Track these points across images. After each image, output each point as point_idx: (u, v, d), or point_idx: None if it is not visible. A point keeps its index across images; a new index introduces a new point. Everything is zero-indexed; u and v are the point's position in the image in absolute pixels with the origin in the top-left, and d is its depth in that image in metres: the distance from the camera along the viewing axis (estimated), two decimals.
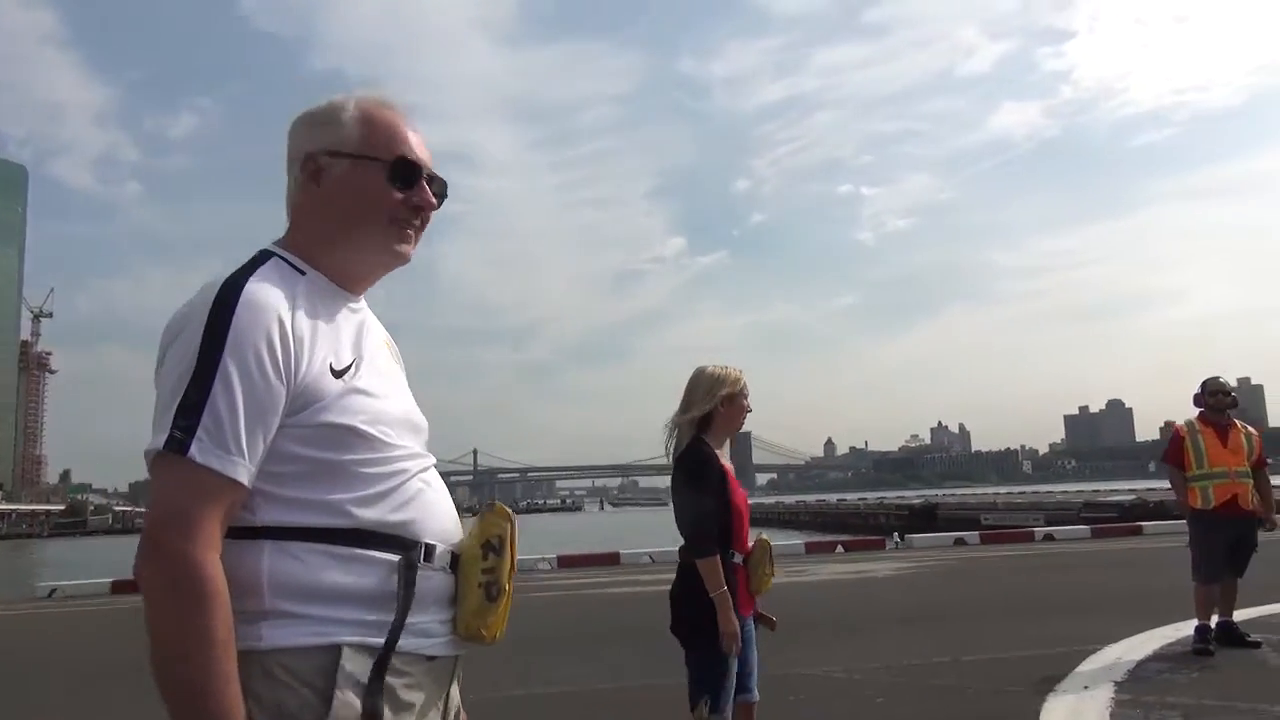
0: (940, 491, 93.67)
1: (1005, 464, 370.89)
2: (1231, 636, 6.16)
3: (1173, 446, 6.47)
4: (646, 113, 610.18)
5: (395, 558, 1.24)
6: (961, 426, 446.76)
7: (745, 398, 3.38)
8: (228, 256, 1.37)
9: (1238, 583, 6.29)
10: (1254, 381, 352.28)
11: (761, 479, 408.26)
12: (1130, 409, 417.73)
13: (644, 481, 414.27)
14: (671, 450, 3.34)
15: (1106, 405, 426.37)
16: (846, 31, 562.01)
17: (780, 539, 26.57)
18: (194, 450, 1.15)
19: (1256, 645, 6.08)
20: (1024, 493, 64.89)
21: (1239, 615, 6.40)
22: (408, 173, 1.38)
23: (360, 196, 1.37)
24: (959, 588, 11.34)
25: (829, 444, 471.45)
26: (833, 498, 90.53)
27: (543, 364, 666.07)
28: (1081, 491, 59.49)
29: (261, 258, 1.31)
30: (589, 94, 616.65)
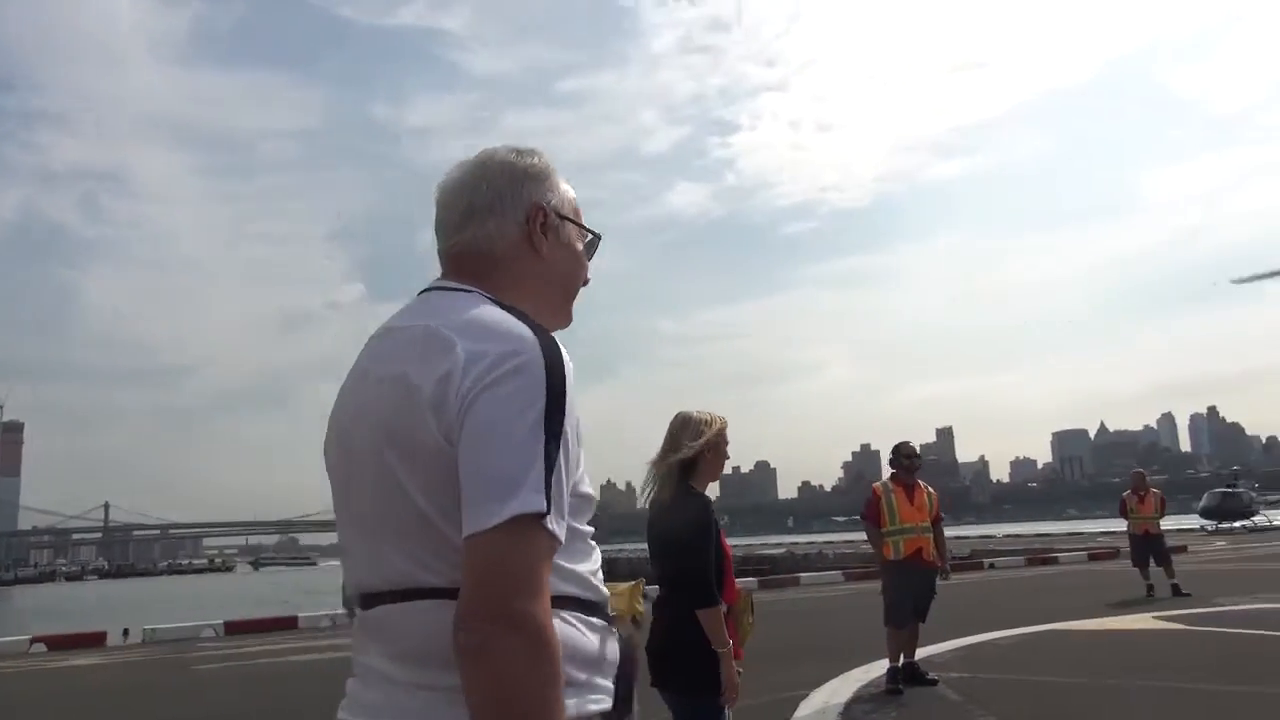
0: (606, 547, 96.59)
1: None
2: (914, 675, 6.86)
3: (871, 505, 7.15)
4: (333, 152, 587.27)
5: (606, 625, 1.24)
6: (628, 484, 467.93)
7: (727, 444, 3.30)
8: None
9: (919, 626, 7.05)
10: (872, 447, 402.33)
11: None
12: (775, 469, 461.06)
13: (306, 539, 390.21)
14: (649, 494, 3.22)
15: (755, 466, 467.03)
16: (539, 98, 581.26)
17: None
18: (551, 517, 1.07)
19: (934, 683, 6.80)
20: None
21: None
22: (594, 248, 1.41)
23: (577, 266, 1.37)
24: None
25: None
26: None
27: (195, 409, 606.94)
28: (736, 546, 64.43)
29: (523, 314, 1.20)
30: (270, 126, 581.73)
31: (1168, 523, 13.88)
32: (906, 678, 6.79)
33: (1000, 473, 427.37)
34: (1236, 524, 39.77)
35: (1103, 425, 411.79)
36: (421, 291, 1.32)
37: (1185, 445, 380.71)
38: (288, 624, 16.15)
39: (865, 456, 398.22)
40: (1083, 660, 7.72)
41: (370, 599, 1.19)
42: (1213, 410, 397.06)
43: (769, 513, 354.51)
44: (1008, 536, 45.98)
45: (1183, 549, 21.68)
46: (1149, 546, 13.23)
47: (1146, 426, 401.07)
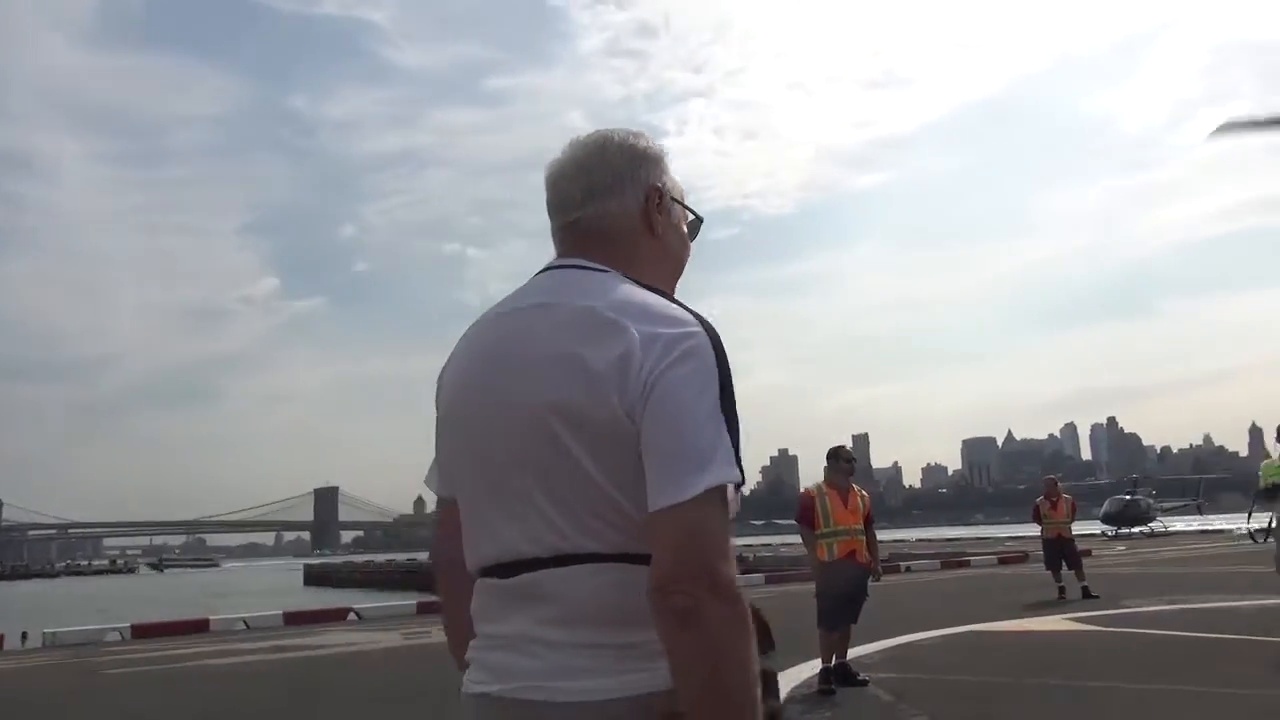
0: None
1: None
2: (846, 676, 6.95)
3: (805, 509, 7.24)
4: (249, 143, 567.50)
5: None
6: None
7: None
8: None
9: (851, 628, 7.15)
10: (790, 452, 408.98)
11: (347, 536, 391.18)
12: None
13: (214, 540, 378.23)
14: None
15: None
16: (465, 95, 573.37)
17: (382, 600, 25.53)
18: (739, 488, 1.16)
19: (865, 683, 6.91)
20: None
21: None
22: (696, 231, 1.45)
23: (685, 247, 1.42)
24: None
25: (419, 501, 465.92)
26: (423, 555, 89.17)
27: (99, 404, 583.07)
28: None
29: (669, 295, 1.29)
30: (185, 113, 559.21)
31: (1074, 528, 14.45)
32: (838, 678, 6.88)
33: (912, 479, 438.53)
34: (1135, 530, 41.48)
35: (1010, 434, 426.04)
36: (547, 268, 1.34)
37: (1086, 454, 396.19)
38: (199, 627, 15.63)
39: (784, 461, 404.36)
40: (1005, 660, 7.94)
41: (514, 567, 1.21)
42: (1112, 421, 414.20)
43: None
44: (920, 541, 47.19)
45: (1087, 553, 22.46)
46: (1061, 550, 13.69)
47: (1051, 435, 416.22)
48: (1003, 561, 23.87)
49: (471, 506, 1.28)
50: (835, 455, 7.34)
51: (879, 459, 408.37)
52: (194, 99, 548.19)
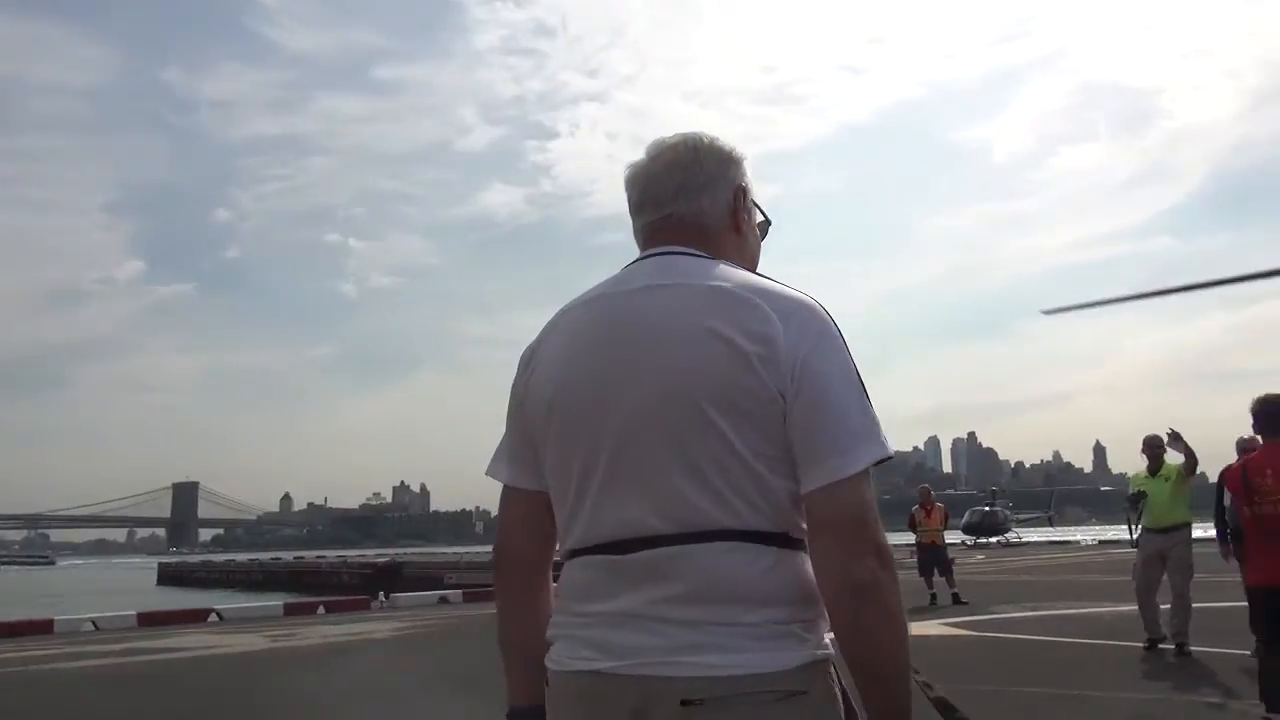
0: (396, 550, 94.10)
1: (461, 524, 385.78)
2: None
3: None
4: (118, 117, 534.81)
5: None
6: (423, 486, 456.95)
7: None
8: None
9: None
10: None
11: (206, 534, 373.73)
12: None
13: (62, 536, 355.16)
14: None
15: None
16: (354, 82, 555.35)
17: (245, 601, 24.40)
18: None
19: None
20: (482, 552, 68.07)
21: None
22: (766, 232, 1.52)
23: (759, 247, 1.49)
24: (485, 647, 11.18)
25: (286, 499, 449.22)
26: (288, 555, 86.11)
27: None
28: None
29: None
30: (47, 80, 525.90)
31: None
32: None
33: None
34: (993, 539, 43.53)
35: None
36: (647, 255, 1.39)
37: (948, 467, 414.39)
38: (43, 628, 14.56)
39: None
40: None
41: (633, 544, 1.22)
42: (972, 435, 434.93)
43: None
44: None
45: (951, 561, 23.42)
46: (934, 557, 14.17)
47: (915, 448, 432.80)
48: None
49: (581, 486, 1.28)
50: None
51: None
52: (59, 65, 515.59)
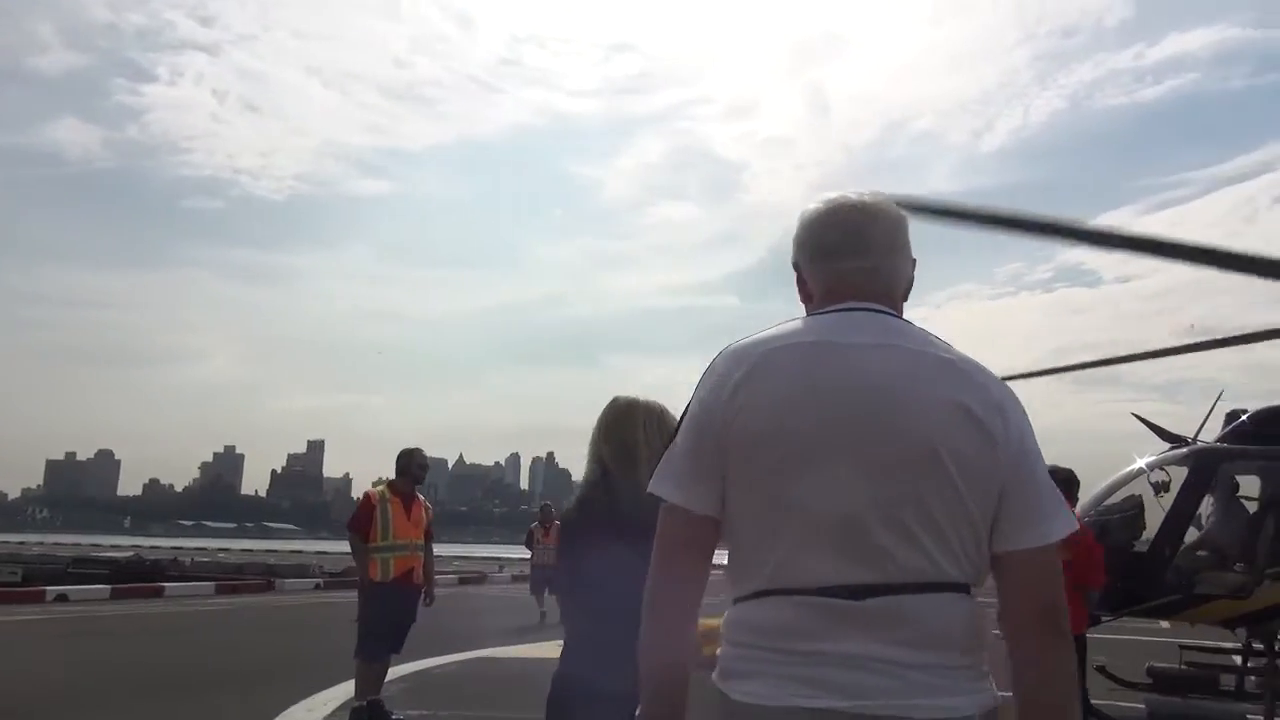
0: None
1: None
2: (378, 715, 6.01)
3: (361, 514, 6.22)
4: None
5: None
6: None
7: None
8: None
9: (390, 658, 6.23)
10: (237, 450, 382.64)
11: None
12: (120, 460, 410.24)
13: None
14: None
15: (96, 454, 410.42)
16: None
17: None
18: None
19: None
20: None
21: None
22: None
23: None
24: (32, 666, 8.71)
25: None
26: None
27: None
28: (61, 544, 55.48)
29: None
30: None
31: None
32: (373, 716, 5.92)
33: (360, 491, 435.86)
34: None
35: (461, 457, 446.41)
36: (854, 308, 1.46)
37: (525, 484, 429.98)
38: None
39: (228, 459, 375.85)
40: (529, 690, 7.60)
41: (865, 590, 1.33)
42: (550, 456, 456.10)
43: (105, 508, 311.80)
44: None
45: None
46: (549, 576, 14.07)
47: (496, 463, 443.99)
48: (464, 581, 24.27)
49: (810, 529, 1.35)
50: (410, 458, 6.42)
51: (331, 468, 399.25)
52: None
